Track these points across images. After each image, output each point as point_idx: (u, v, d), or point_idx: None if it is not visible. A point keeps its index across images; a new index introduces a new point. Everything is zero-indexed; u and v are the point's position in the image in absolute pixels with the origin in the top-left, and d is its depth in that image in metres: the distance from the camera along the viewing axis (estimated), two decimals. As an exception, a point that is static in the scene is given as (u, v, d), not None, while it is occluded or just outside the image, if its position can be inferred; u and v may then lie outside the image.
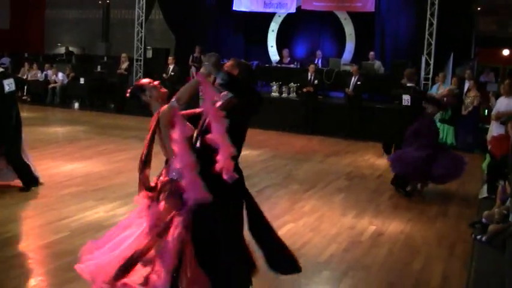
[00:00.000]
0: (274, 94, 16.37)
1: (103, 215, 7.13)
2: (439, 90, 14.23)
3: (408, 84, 9.48)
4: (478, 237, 6.57)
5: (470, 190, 9.49)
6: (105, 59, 20.89)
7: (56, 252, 5.78)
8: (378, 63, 16.66)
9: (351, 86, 14.86)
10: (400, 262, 6.04)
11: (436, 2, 14.99)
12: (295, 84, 16.18)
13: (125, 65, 17.78)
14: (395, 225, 7.38)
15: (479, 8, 17.82)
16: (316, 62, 17.47)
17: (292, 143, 13.65)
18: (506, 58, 20.94)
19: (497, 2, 18.30)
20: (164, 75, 16.71)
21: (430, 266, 5.97)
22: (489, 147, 9.95)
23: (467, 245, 6.60)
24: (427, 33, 15.19)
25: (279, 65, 17.99)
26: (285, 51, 18.29)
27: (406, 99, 9.28)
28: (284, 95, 16.33)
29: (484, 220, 6.96)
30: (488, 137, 10.17)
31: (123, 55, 17.93)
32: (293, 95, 16.18)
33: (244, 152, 4.30)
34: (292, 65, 17.60)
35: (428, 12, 15.10)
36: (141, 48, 18.52)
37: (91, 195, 7.99)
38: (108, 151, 11.32)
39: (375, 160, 11.86)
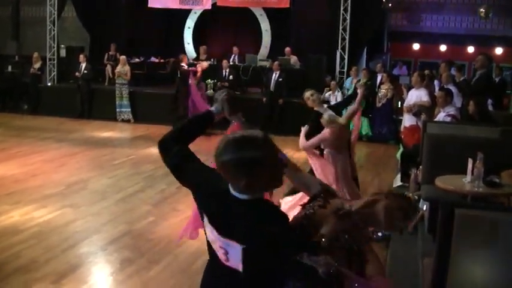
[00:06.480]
0: (193, 91, 16.25)
1: (19, 219, 6.94)
2: (352, 83, 14.68)
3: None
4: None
5: (385, 179, 9.79)
6: (16, 58, 20.18)
7: (-31, 258, 5.59)
8: (294, 58, 16.86)
9: (272, 82, 14.96)
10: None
11: (349, -2, 15.36)
12: (212, 81, 16.16)
13: (37, 65, 17.27)
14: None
15: (390, 5, 18.41)
16: (232, 58, 17.53)
17: (212, 139, 13.57)
18: (417, 52, 21.77)
19: (407, -1, 19.03)
20: (77, 73, 16.31)
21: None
22: (402, 137, 10.30)
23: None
24: (341, 28, 15.55)
25: (196, 62, 17.90)
26: (202, 48, 18.21)
27: None
28: (202, 91, 16.25)
29: None
30: (402, 128, 10.49)
31: (35, 54, 17.37)
32: (210, 91, 16.14)
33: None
34: (209, 62, 17.55)
35: (342, 8, 15.45)
36: (53, 47, 18.02)
37: (5, 199, 7.76)
38: (22, 153, 10.96)
39: (293, 153, 12.04)
